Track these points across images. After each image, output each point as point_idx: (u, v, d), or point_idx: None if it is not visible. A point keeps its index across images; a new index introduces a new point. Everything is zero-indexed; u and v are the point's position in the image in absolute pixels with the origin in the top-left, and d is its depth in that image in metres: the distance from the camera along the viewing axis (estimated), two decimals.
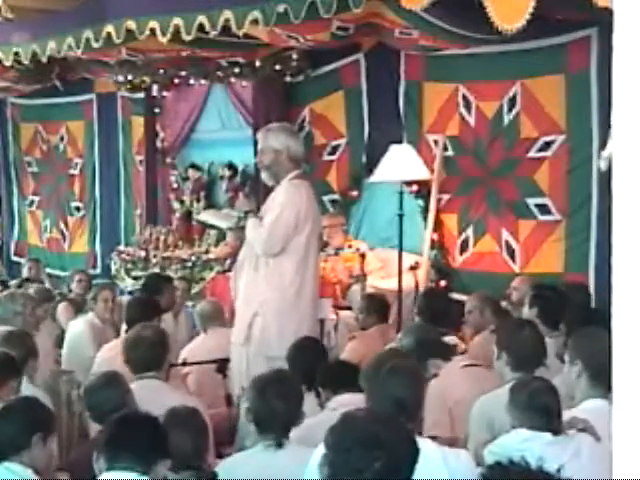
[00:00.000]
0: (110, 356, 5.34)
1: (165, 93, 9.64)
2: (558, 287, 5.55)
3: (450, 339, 5.11)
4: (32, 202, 11.78)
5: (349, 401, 3.78)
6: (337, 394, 4.00)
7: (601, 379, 3.40)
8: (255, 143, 8.43)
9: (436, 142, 7.62)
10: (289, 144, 5.31)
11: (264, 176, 5.48)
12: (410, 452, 2.44)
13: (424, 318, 5.45)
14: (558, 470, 2.42)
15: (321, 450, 2.49)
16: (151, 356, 4.51)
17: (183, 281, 7.68)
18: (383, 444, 2.36)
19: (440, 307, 5.59)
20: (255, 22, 5.66)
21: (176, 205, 9.57)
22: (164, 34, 6.03)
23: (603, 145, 5.73)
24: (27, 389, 4.22)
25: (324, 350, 4.85)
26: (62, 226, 11.34)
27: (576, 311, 4.91)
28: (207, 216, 8.01)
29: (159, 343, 4.57)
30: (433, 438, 3.52)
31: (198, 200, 9.36)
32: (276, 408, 3.42)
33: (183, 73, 8.97)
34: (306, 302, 5.26)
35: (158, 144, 9.82)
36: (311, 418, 3.66)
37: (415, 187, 7.58)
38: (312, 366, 4.31)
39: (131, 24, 6.16)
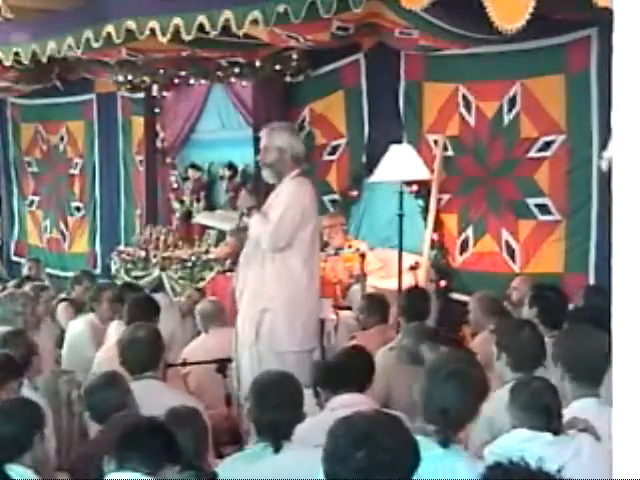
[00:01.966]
0: (109, 356, 5.34)
1: (165, 93, 9.64)
2: (557, 287, 5.56)
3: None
4: (32, 202, 11.78)
5: (349, 401, 3.76)
6: (337, 394, 3.98)
7: (585, 378, 3.50)
8: (255, 143, 8.53)
9: (436, 142, 7.63)
10: (293, 143, 5.35)
11: (266, 174, 5.47)
12: (406, 453, 2.44)
13: (407, 318, 5.46)
14: (558, 471, 2.42)
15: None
16: (147, 356, 4.51)
17: (195, 291, 7.70)
18: (371, 438, 2.37)
19: (421, 306, 5.61)
20: (255, 22, 5.66)
21: (176, 205, 9.57)
22: (164, 34, 6.03)
23: (604, 145, 5.74)
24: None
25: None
26: (62, 226, 11.34)
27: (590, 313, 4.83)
28: (204, 218, 7.96)
29: (153, 343, 4.57)
30: None
31: (198, 200, 9.36)
32: (274, 418, 3.41)
33: (183, 73, 8.97)
34: (313, 298, 5.30)
35: (158, 144, 9.82)
36: (310, 419, 3.65)
37: (415, 187, 7.59)
38: None
39: (131, 24, 6.16)
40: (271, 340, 5.17)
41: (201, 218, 7.24)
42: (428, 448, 2.79)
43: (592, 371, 3.50)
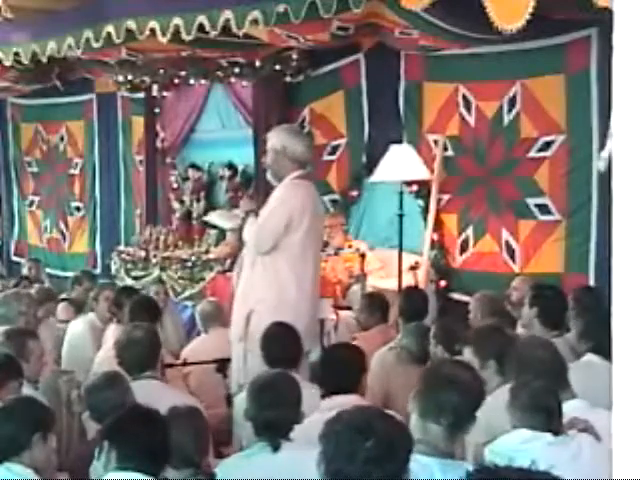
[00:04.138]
0: (110, 356, 5.34)
1: (165, 93, 9.63)
2: (558, 287, 5.56)
3: None
4: (32, 202, 11.78)
5: (344, 402, 3.74)
6: (333, 394, 3.96)
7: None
8: (255, 143, 8.54)
9: (436, 142, 7.62)
10: (287, 144, 5.29)
11: (268, 176, 5.49)
12: (403, 438, 2.46)
13: (405, 318, 5.46)
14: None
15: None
16: (145, 356, 4.52)
17: (161, 284, 7.70)
18: (373, 429, 2.38)
19: (419, 306, 5.61)
20: (255, 22, 5.66)
21: (176, 205, 9.57)
22: (164, 34, 6.03)
23: (603, 145, 5.73)
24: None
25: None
26: (62, 226, 11.34)
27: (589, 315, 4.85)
28: (214, 217, 7.88)
29: (151, 342, 4.60)
30: None
31: (198, 200, 9.36)
32: (271, 416, 3.41)
33: (183, 73, 8.97)
34: (303, 301, 5.23)
35: (158, 144, 9.82)
36: (307, 420, 3.64)
37: (415, 187, 7.58)
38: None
39: (131, 24, 6.16)
40: (257, 341, 5.15)
41: (211, 216, 7.14)
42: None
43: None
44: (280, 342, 4.54)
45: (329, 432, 2.43)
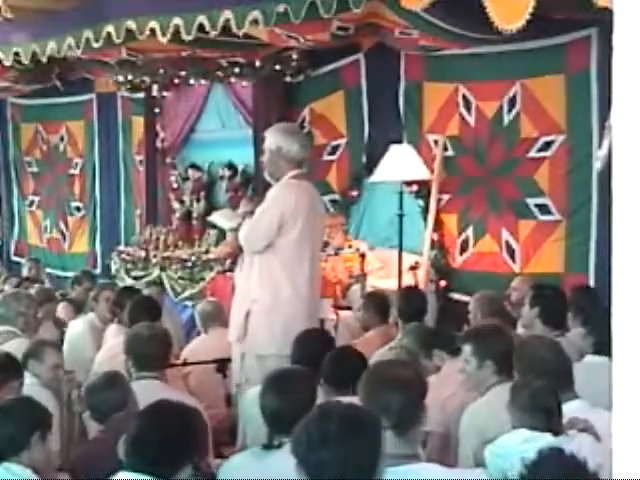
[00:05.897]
0: (110, 356, 5.35)
1: (165, 93, 9.63)
2: (558, 287, 5.56)
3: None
4: (32, 202, 11.78)
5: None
6: (340, 396, 3.95)
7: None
8: (255, 143, 8.54)
9: (436, 142, 7.63)
10: (281, 144, 5.22)
11: (265, 175, 5.48)
12: (365, 414, 2.47)
13: (405, 319, 5.45)
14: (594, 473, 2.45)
15: None
16: (160, 353, 4.54)
17: (155, 287, 7.69)
18: (333, 410, 2.40)
19: (418, 306, 5.61)
20: (255, 22, 5.67)
21: (176, 205, 9.57)
22: (164, 34, 6.03)
23: (601, 145, 5.74)
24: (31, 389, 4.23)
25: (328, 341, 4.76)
26: (62, 226, 11.35)
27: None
28: (216, 217, 7.85)
29: (167, 342, 4.65)
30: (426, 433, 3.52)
31: (198, 200, 9.36)
32: (281, 408, 3.40)
33: (183, 73, 8.97)
34: (298, 301, 5.18)
35: (158, 144, 9.82)
36: None
37: (415, 187, 7.59)
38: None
39: (131, 24, 6.17)
40: (253, 342, 5.14)
41: (215, 217, 7.12)
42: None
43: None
44: (306, 346, 4.52)
45: (299, 433, 2.42)
